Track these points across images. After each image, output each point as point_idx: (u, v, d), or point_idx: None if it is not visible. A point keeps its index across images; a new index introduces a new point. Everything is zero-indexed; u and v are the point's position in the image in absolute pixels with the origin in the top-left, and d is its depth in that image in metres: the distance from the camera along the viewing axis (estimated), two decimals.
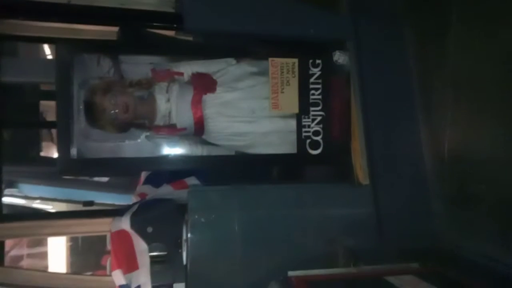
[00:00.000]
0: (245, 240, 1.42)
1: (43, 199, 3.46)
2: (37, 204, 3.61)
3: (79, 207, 3.24)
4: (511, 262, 1.25)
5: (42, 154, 3.41)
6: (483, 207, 1.35)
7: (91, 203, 2.78)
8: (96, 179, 3.41)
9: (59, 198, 3.46)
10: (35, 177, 3.31)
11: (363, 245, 1.46)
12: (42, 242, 3.30)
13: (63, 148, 1.43)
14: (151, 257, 1.48)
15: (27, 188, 3.34)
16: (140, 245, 1.48)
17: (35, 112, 3.14)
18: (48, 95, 2.91)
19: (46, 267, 3.38)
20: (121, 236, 1.50)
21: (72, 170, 1.47)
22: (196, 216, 1.40)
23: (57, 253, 3.11)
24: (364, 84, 1.58)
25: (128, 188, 3.10)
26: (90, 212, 2.59)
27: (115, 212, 2.56)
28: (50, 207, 3.67)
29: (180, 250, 1.46)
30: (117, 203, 3.40)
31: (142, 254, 1.48)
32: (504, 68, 1.26)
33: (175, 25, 1.52)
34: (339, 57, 1.59)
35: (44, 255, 3.25)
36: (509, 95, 1.24)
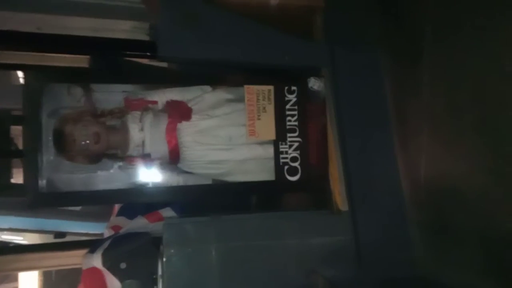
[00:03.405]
0: (223, 273, 1.37)
1: (13, 230, 3.31)
2: (6, 236, 3.45)
3: (52, 238, 3.12)
4: None
5: (13, 181, 3.28)
6: (461, 235, 1.34)
7: (63, 234, 2.68)
8: (69, 208, 3.30)
9: (30, 229, 3.32)
10: (3, 207, 3.18)
11: (342, 275, 1.43)
12: (12, 278, 3.15)
13: (31, 181, 1.37)
14: None
15: None
16: (113, 283, 1.41)
17: (5, 139, 3.03)
18: (20, 120, 2.81)
19: None
20: (93, 274, 1.43)
21: (41, 203, 1.41)
22: (172, 250, 1.34)
23: None
24: (340, 110, 1.58)
25: (101, 216, 3.01)
26: (62, 244, 2.49)
27: (88, 243, 2.48)
28: (20, 238, 3.51)
29: (155, 287, 1.40)
30: (91, 232, 3.30)
31: None
32: (477, 96, 1.27)
33: (148, 53, 1.49)
34: (314, 83, 1.59)
35: None
36: (483, 123, 1.25)
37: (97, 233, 3.15)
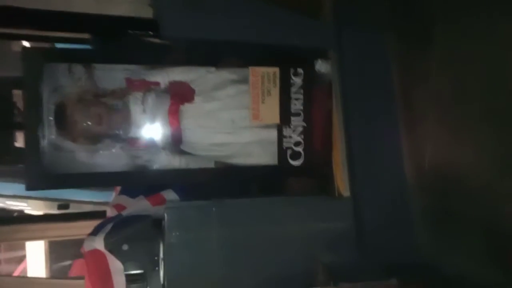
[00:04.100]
0: (224, 257, 1.39)
1: (17, 197, 3.35)
2: (10, 202, 3.50)
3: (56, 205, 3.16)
4: (492, 277, 1.24)
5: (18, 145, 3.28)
6: (464, 223, 1.34)
7: (66, 206, 2.71)
8: None
9: (34, 196, 3.35)
10: (7, 174, 3.20)
11: (343, 260, 1.44)
12: (20, 246, 3.23)
13: (32, 163, 1.35)
14: (127, 276, 1.43)
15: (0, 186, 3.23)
16: (115, 265, 1.42)
17: (7, 105, 3.00)
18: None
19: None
20: (95, 256, 1.44)
21: (42, 185, 1.40)
22: (173, 234, 1.35)
23: (36, 256, 3.05)
24: (346, 94, 1.54)
25: None
26: (66, 216, 2.54)
27: (90, 214, 2.51)
28: (25, 205, 3.56)
29: (157, 268, 1.42)
30: (95, 200, 3.32)
31: (117, 274, 1.43)
32: (487, 83, 1.23)
33: (151, 32, 1.44)
34: (321, 66, 1.55)
35: (22, 259, 3.19)
36: (490, 111, 1.22)
37: (100, 201, 3.18)
